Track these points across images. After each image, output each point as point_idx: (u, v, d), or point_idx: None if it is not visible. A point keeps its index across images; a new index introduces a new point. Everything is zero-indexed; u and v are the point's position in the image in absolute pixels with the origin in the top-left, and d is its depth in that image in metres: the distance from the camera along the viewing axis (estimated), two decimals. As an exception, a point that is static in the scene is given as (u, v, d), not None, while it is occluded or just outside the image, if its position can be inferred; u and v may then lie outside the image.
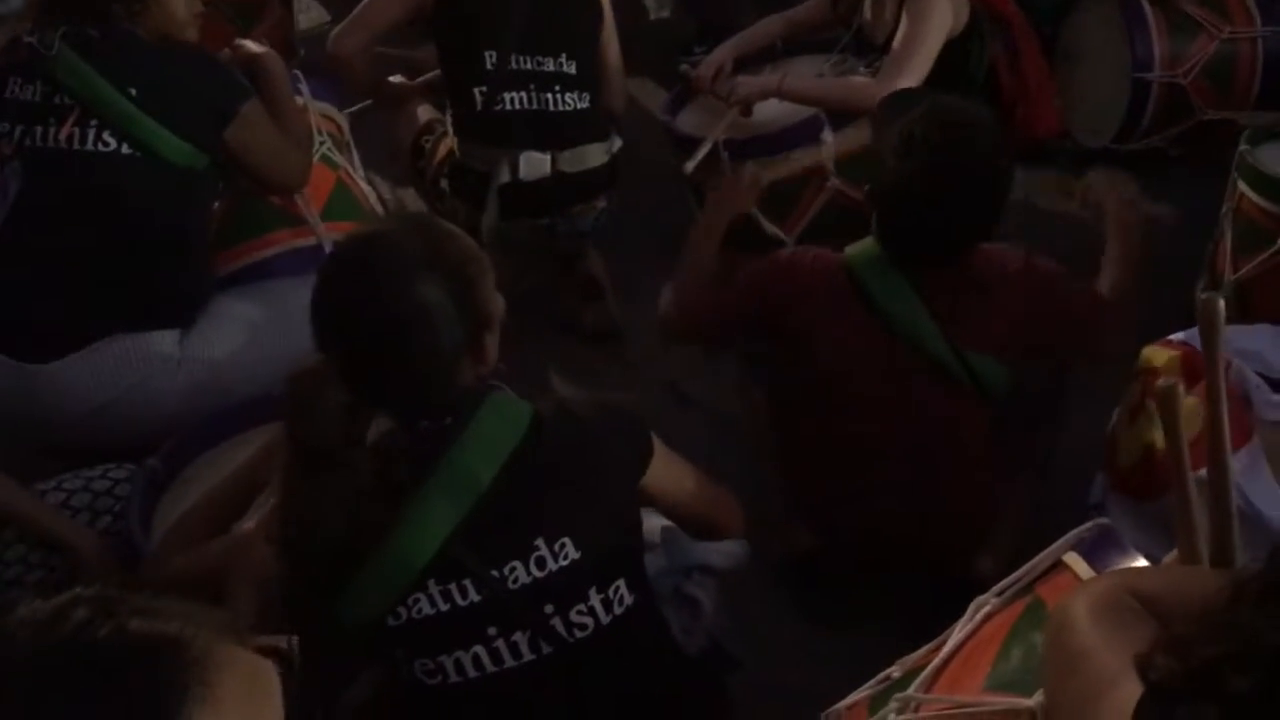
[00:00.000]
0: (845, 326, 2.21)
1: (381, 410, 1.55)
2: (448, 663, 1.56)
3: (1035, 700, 1.28)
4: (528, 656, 1.58)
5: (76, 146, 2.32)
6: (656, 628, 1.73)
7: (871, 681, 1.64)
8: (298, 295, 2.42)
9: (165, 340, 2.39)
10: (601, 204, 3.16)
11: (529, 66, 3.01)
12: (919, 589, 2.25)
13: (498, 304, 1.66)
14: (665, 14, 5.03)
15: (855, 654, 1.86)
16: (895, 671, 1.61)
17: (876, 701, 1.57)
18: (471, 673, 1.57)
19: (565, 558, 1.59)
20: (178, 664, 0.87)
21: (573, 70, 3.03)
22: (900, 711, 1.47)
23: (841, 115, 3.09)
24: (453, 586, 1.55)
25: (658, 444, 1.76)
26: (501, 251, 2.96)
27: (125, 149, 2.33)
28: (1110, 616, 1.15)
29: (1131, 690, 1.01)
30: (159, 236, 2.39)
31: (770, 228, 3.20)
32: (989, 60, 3.22)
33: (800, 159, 3.15)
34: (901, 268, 2.19)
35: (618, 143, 3.18)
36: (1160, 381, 1.62)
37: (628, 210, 3.39)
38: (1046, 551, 1.50)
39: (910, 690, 1.48)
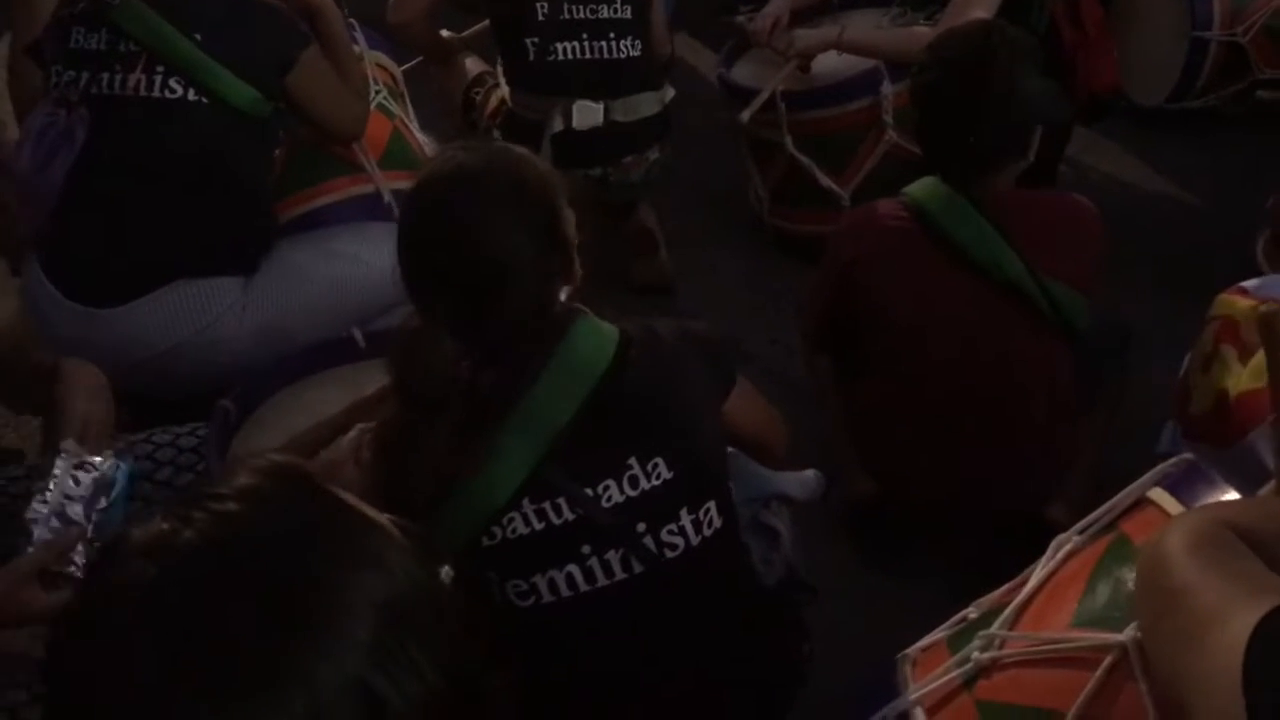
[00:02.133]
0: (921, 268, 2.20)
1: (474, 346, 1.55)
2: (541, 582, 1.57)
3: (1126, 635, 1.26)
4: (619, 575, 1.59)
5: (144, 93, 2.33)
6: (740, 554, 1.74)
7: (948, 623, 1.63)
8: (357, 242, 2.50)
9: (230, 286, 2.41)
10: (654, 155, 3.14)
11: (582, 15, 2.99)
12: (985, 537, 2.24)
13: (573, 222, 1.65)
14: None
15: (922, 601, 1.85)
16: (972, 612, 1.60)
17: (956, 641, 1.56)
18: (565, 591, 1.58)
19: (658, 477, 1.59)
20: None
21: (628, 14, 3.02)
22: (984, 649, 1.45)
23: (901, 67, 3.07)
24: (547, 505, 1.56)
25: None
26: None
27: (192, 95, 2.34)
28: (1208, 551, 1.12)
29: (1239, 626, 0.98)
30: (224, 183, 2.40)
31: (826, 180, 3.19)
32: (1049, 13, 3.18)
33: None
34: (966, 195, 2.19)
35: (670, 93, 3.16)
36: (1264, 307, 1.59)
37: (677, 167, 3.39)
38: (1130, 488, 1.49)
39: (994, 628, 1.47)
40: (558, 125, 2.96)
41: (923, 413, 2.26)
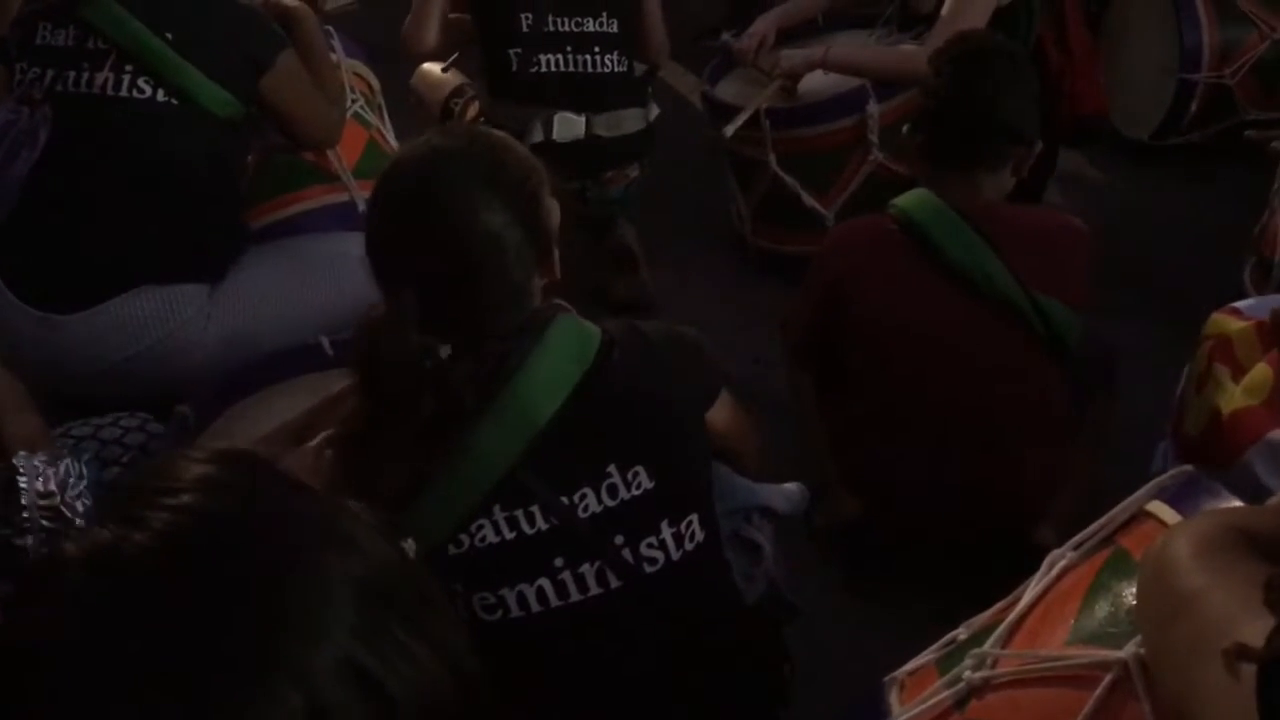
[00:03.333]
0: (910, 282, 2.15)
1: (447, 337, 1.47)
2: (509, 596, 1.48)
3: (1127, 651, 1.20)
4: (594, 590, 1.50)
5: (111, 92, 2.26)
6: (722, 570, 1.66)
7: (937, 644, 1.56)
8: (330, 251, 2.43)
9: (195, 294, 2.33)
10: (635, 173, 3.11)
11: (567, 28, 2.95)
12: (972, 559, 2.18)
13: (556, 215, 1.58)
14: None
15: (908, 624, 1.79)
16: (962, 633, 1.53)
17: (946, 662, 1.49)
18: (535, 607, 1.49)
19: (638, 486, 1.51)
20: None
21: (614, 29, 2.98)
22: (976, 668, 1.38)
23: (887, 86, 3.04)
24: (519, 513, 1.47)
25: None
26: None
27: (161, 95, 2.27)
28: (1219, 555, 1.06)
29: (1254, 631, 0.92)
30: (192, 188, 2.33)
31: (809, 200, 3.15)
32: (1036, 34, 3.15)
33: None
34: (956, 209, 2.14)
35: (655, 110, 3.12)
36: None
37: (658, 186, 3.34)
38: (1128, 500, 1.42)
39: (986, 646, 1.40)
40: (537, 136, 2.91)
41: (908, 429, 2.20)
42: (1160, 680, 1.11)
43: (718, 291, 3.40)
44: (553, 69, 2.96)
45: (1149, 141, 3.79)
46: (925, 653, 1.57)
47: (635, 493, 1.51)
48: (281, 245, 2.51)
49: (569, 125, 2.95)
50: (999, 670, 1.37)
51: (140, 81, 2.26)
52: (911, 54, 2.99)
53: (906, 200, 2.20)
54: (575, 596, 1.50)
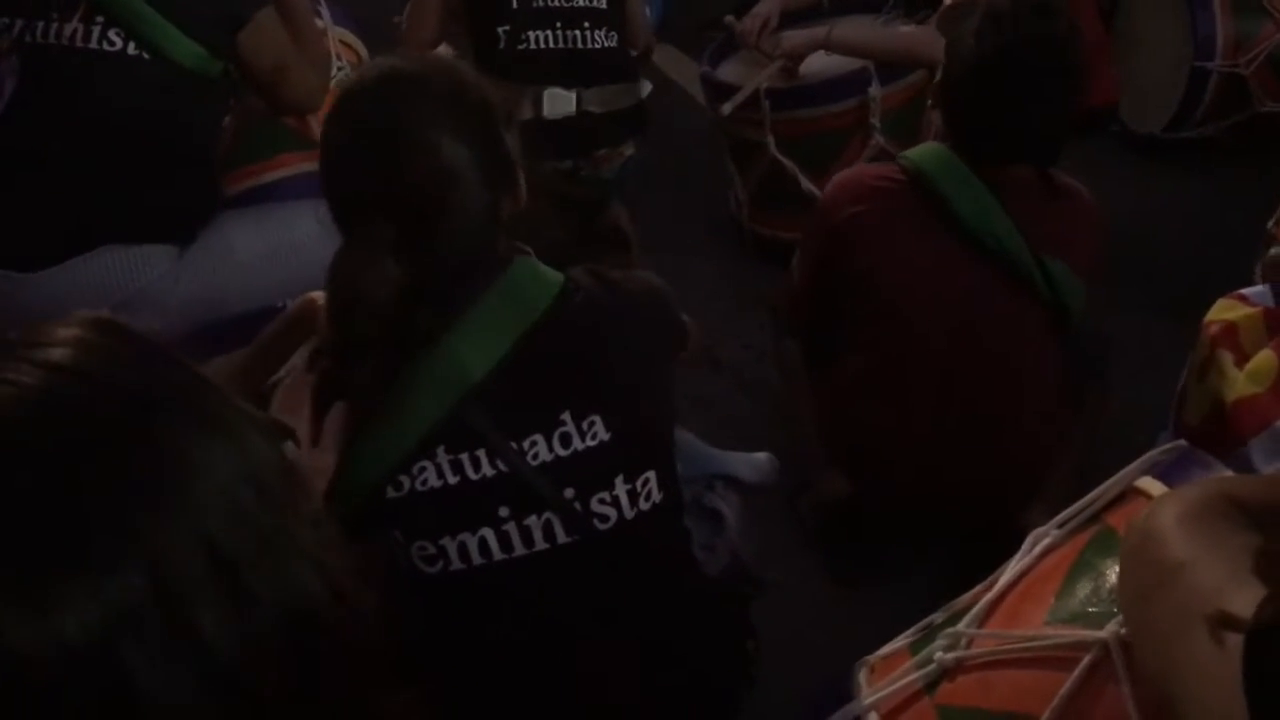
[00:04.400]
0: (913, 234, 2.06)
1: (411, 275, 1.38)
2: (450, 546, 1.39)
3: (1108, 631, 1.12)
4: (539, 545, 1.41)
5: (80, 44, 2.18)
6: (679, 536, 1.57)
7: (912, 630, 1.48)
8: (304, 217, 2.35)
9: (161, 255, 2.25)
10: (629, 151, 3.02)
11: (556, 4, 2.87)
12: (961, 546, 2.09)
13: (515, 143, 1.50)
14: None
15: (892, 612, 1.68)
16: (938, 617, 1.44)
17: (919, 644, 1.40)
18: (476, 559, 1.40)
19: (593, 437, 1.43)
20: None
21: (603, 4, 2.90)
22: (949, 649, 1.30)
23: (890, 69, 2.96)
24: (464, 457, 1.39)
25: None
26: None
27: (132, 48, 2.19)
28: (1208, 523, 0.98)
29: (1243, 601, 0.85)
30: (162, 146, 2.24)
31: (808, 184, 3.07)
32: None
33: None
34: (971, 164, 2.04)
35: (647, 87, 3.04)
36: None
37: (655, 172, 3.27)
38: (1117, 476, 1.34)
39: (960, 626, 1.31)
40: (527, 113, 2.82)
41: (902, 393, 2.11)
42: (1141, 659, 1.02)
43: (711, 276, 3.34)
44: (542, 45, 2.87)
45: (1161, 135, 3.70)
46: (901, 636, 1.49)
47: (590, 443, 1.43)
48: (253, 211, 2.42)
49: (559, 101, 2.86)
50: (973, 651, 1.29)
51: (110, 33, 2.17)
52: (917, 35, 2.91)
53: (917, 151, 2.11)
54: (520, 550, 1.41)
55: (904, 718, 1.30)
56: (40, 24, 2.18)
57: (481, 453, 1.39)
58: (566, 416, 1.42)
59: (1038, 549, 1.37)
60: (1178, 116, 3.69)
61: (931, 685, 1.29)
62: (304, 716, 0.75)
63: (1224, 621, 0.85)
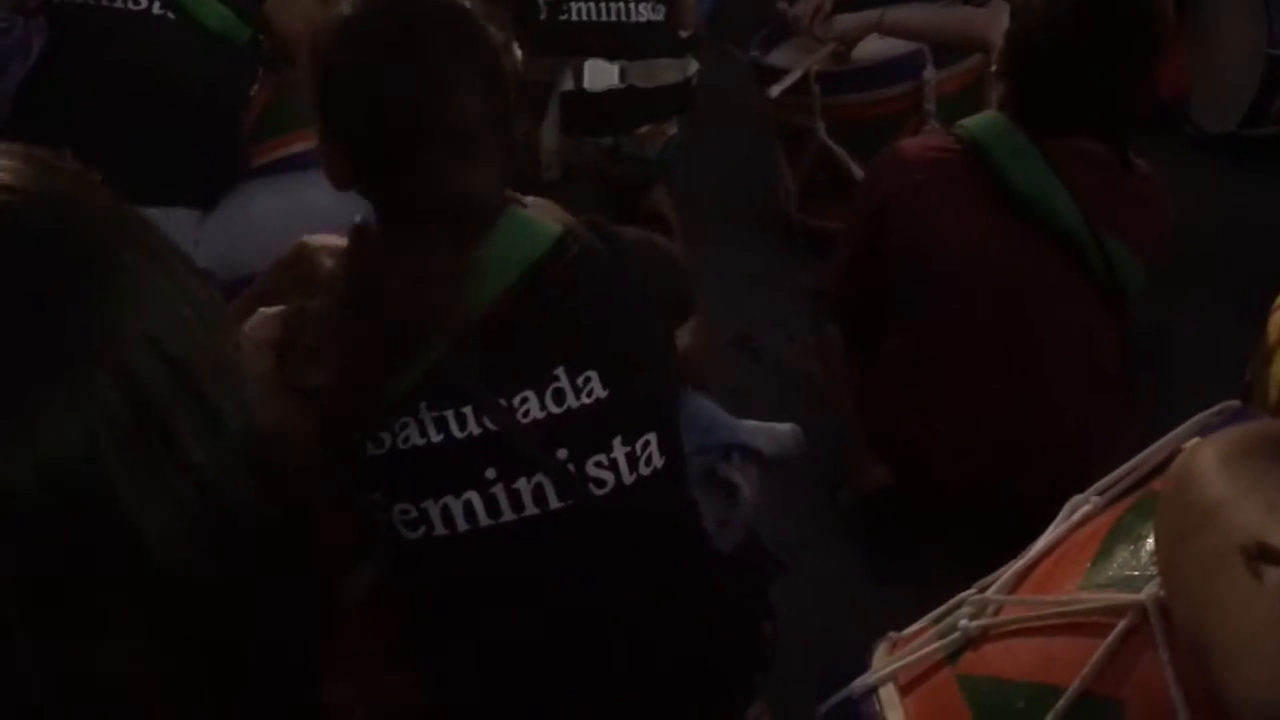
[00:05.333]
0: (964, 206, 1.96)
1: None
2: (433, 510, 1.30)
3: (1146, 594, 1.01)
4: (529, 510, 1.32)
5: (107, 3, 2.16)
6: (684, 506, 1.47)
7: (942, 607, 1.37)
8: (321, 182, 2.29)
9: (184, 218, 2.21)
10: (672, 130, 2.92)
11: None
12: (1002, 541, 1.97)
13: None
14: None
15: (921, 610, 1.61)
16: (971, 594, 1.34)
17: (943, 616, 1.30)
18: (461, 524, 1.31)
19: (589, 394, 1.33)
20: None
21: None
22: (974, 617, 1.20)
23: (946, 52, 2.86)
24: (450, 414, 1.30)
25: None
26: (562, 181, 2.75)
27: (158, 8, 2.17)
28: (1250, 463, 0.89)
29: None
30: (185, 108, 2.21)
31: (859, 172, 2.96)
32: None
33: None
34: (1034, 134, 1.93)
35: (694, 65, 2.94)
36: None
37: (702, 161, 3.19)
38: (1165, 439, 1.23)
39: (988, 593, 1.21)
40: (568, 84, 2.74)
41: (948, 374, 2.00)
42: (1176, 611, 0.92)
43: (757, 268, 3.25)
44: (584, 17, 2.79)
45: (1236, 130, 3.56)
46: (929, 615, 1.38)
47: (585, 401, 1.33)
48: (276, 179, 2.37)
49: (602, 73, 2.78)
50: (1000, 618, 1.18)
51: None
52: (974, 16, 2.81)
53: (973, 120, 2.01)
54: (508, 515, 1.31)
55: (923, 689, 1.20)
56: (67, -17, 2.16)
57: (468, 410, 1.30)
58: (560, 372, 1.33)
59: (1075, 516, 1.26)
60: (1253, 110, 3.54)
61: (954, 655, 1.19)
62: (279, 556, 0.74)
63: (1262, 554, 0.75)
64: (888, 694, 1.22)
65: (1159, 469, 1.22)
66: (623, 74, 2.78)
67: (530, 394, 1.32)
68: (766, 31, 3.31)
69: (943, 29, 2.84)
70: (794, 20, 3.14)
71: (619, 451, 1.34)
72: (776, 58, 3.20)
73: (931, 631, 1.24)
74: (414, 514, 1.31)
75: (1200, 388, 2.13)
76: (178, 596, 0.67)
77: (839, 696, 1.26)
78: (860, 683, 1.24)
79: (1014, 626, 1.16)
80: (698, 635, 1.44)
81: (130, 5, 2.15)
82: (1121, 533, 1.16)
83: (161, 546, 0.66)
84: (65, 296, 0.67)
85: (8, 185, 0.70)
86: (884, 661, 1.26)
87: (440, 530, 1.31)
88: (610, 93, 2.78)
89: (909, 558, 2.17)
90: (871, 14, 2.93)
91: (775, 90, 2.92)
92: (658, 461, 1.38)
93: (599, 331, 1.36)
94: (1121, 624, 1.03)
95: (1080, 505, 1.27)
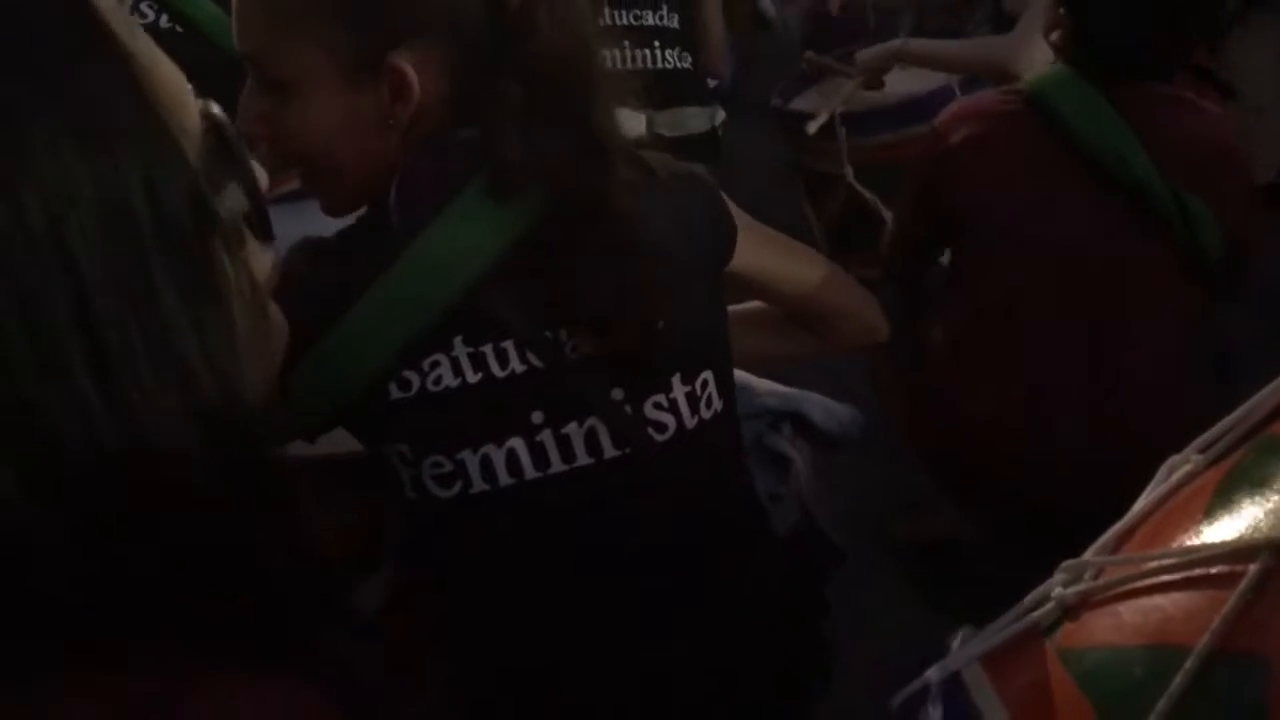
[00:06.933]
0: (1027, 160, 1.88)
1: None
2: (471, 462, 1.13)
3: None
4: (581, 460, 1.16)
5: None
6: (739, 460, 1.30)
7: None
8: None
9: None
10: (700, 180, 2.83)
11: (625, 21, 2.74)
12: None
13: None
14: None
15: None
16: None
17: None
18: (504, 478, 1.14)
19: None
20: None
21: (674, 24, 2.77)
22: (1070, 584, 1.04)
23: (976, 84, 2.77)
24: (488, 349, 1.14)
25: (744, 218, 1.38)
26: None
27: (165, 21, 2.10)
28: None
29: None
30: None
31: (886, 213, 2.86)
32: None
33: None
34: (1099, 82, 1.83)
35: (721, 114, 2.88)
36: None
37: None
38: (1275, 384, 1.08)
39: (1086, 556, 1.05)
40: (594, 135, 2.66)
41: (1006, 348, 1.88)
42: None
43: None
44: (610, 65, 2.73)
45: (1275, 181, 3.46)
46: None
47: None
48: (298, 205, 2.27)
49: (628, 122, 2.69)
50: (1100, 582, 1.02)
51: (143, 5, 2.08)
52: (996, 43, 2.73)
53: (1038, 75, 1.93)
54: (558, 466, 1.15)
55: (1016, 667, 1.03)
56: (73, -3, 2.08)
57: (509, 344, 1.15)
58: None
59: (1175, 477, 1.11)
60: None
61: (1050, 628, 1.03)
62: None
63: None
64: (973, 675, 1.06)
65: (1271, 417, 1.08)
66: (649, 124, 2.71)
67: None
68: (785, 82, 3.26)
69: (965, 56, 2.77)
70: (810, 61, 3.08)
71: (679, 391, 1.19)
72: (800, 105, 3.13)
73: (1019, 606, 1.08)
74: (448, 467, 1.14)
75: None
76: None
77: (915, 685, 1.09)
78: (941, 666, 1.08)
79: (1119, 589, 0.99)
80: (757, 620, 1.27)
81: (136, 17, 2.07)
82: (1241, 476, 1.00)
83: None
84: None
85: None
86: (969, 642, 1.09)
87: (479, 486, 1.15)
88: (636, 143, 2.68)
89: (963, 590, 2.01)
90: (892, 43, 2.87)
91: (813, 126, 2.85)
92: (717, 405, 1.23)
93: (645, 261, 1.22)
94: (1254, 568, 0.88)
95: (1180, 465, 1.12)
